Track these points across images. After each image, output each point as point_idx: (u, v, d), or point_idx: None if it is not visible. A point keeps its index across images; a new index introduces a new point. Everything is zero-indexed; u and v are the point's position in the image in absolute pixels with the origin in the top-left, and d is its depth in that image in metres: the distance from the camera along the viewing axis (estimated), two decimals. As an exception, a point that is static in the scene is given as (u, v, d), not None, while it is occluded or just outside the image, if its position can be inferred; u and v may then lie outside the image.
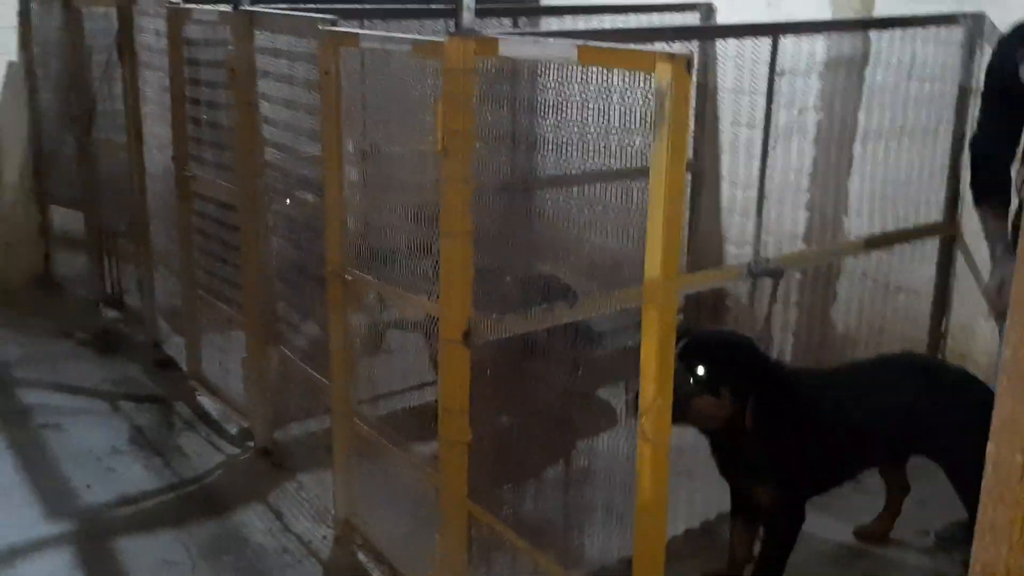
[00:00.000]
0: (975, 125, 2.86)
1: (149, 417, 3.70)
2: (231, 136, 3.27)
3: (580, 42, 1.69)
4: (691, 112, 3.87)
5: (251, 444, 3.43)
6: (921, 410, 2.45)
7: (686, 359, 2.30)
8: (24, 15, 4.74)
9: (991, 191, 2.65)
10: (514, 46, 1.89)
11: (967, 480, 2.29)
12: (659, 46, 2.48)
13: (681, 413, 2.27)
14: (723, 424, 2.33)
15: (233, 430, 3.57)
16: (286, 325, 3.24)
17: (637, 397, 1.68)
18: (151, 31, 3.79)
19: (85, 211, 4.67)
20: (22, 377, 4.00)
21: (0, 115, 4.77)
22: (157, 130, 3.90)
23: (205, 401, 3.79)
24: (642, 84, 1.76)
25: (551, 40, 1.79)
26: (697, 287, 2.88)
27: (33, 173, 4.94)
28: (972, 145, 2.81)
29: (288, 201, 3.02)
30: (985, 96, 2.77)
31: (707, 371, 2.28)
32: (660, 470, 1.69)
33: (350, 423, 2.73)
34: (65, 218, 4.90)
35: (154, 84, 3.88)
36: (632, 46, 1.66)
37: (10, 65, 4.75)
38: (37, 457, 3.34)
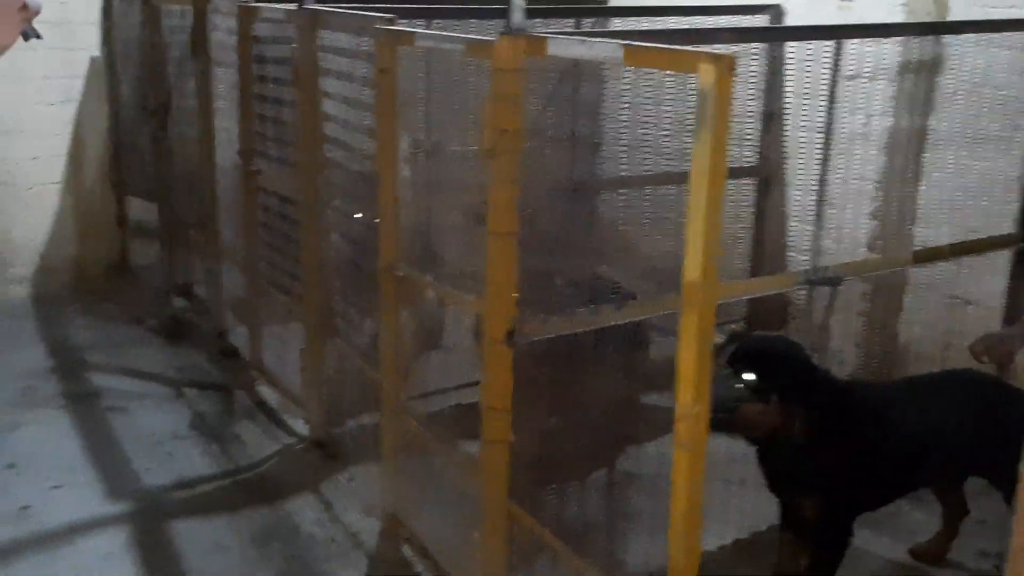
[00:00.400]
0: None
1: (210, 404, 3.81)
2: (295, 132, 3.34)
3: (625, 42, 1.67)
4: (759, 115, 3.82)
5: (306, 435, 3.50)
6: (979, 430, 2.36)
7: (736, 364, 2.27)
8: (106, 12, 4.91)
9: None
10: (562, 46, 1.88)
11: None
12: (719, 47, 2.45)
13: (729, 420, 2.25)
14: (771, 433, 2.29)
15: (290, 421, 3.64)
16: (343, 320, 3.29)
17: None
18: (224, 29, 3.89)
19: (159, 203, 4.81)
20: (93, 361, 4.16)
21: (82, 108, 4.96)
22: (227, 125, 4.00)
23: (265, 391, 3.87)
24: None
25: (597, 40, 1.78)
26: (749, 294, 2.82)
27: (111, 164, 5.12)
28: None
29: (360, 215, 3.04)
30: None
31: (757, 377, 2.24)
32: (695, 478, 1.67)
33: (399, 419, 2.76)
34: (140, 209, 5.07)
35: (225, 80, 3.98)
36: (677, 47, 1.64)
37: (92, 60, 4.93)
38: (102, 438, 3.46)
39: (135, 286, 5.06)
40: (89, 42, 4.90)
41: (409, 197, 2.65)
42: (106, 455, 3.34)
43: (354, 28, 2.81)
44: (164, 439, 3.48)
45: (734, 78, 1.48)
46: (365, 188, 2.98)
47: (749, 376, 2.23)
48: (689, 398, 1.63)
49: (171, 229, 4.80)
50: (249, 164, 3.69)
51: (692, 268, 1.59)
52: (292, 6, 3.17)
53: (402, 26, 2.54)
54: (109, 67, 4.97)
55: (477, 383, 3.10)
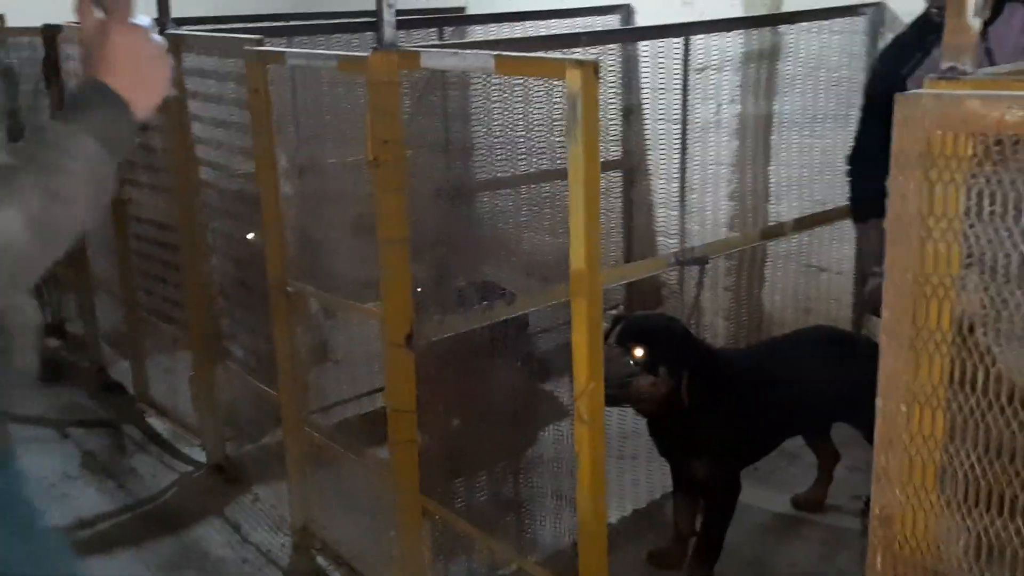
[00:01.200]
0: (854, 138, 2.85)
1: (99, 442, 3.71)
2: (165, 157, 3.30)
3: (496, 53, 1.79)
4: (619, 111, 4.02)
5: (204, 462, 3.47)
6: (835, 379, 2.60)
7: (625, 343, 2.42)
8: (-55, 47, 4.68)
9: (877, 209, 2.77)
10: (435, 58, 1.98)
11: None
12: (577, 51, 2.61)
13: (623, 394, 2.41)
14: (661, 402, 2.46)
15: (185, 449, 3.60)
16: (232, 341, 3.29)
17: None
18: (78, 58, 3.79)
19: (20, 240, 4.63)
20: (-35, 411, 3.97)
21: (-74, 149, 4.71)
22: (90, 155, 3.90)
23: (155, 423, 3.81)
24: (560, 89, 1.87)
25: (469, 52, 1.89)
26: (627, 279, 3.00)
27: (-36, 205, 4.88)
28: (853, 160, 2.82)
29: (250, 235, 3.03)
30: (868, 107, 2.79)
31: (645, 352, 2.41)
32: (597, 449, 1.80)
33: (302, 432, 2.80)
34: (-1, 249, 4.85)
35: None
36: (544, 54, 1.76)
37: (-66, 97, 4.69)
38: (-12, 488, 3.33)
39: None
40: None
41: (292, 213, 2.69)
42: (-5, 504, 3.21)
43: (222, 50, 2.82)
44: (56, 481, 3.38)
45: (599, 81, 1.62)
46: (244, 207, 3.00)
47: (639, 352, 2.39)
48: (584, 377, 1.76)
49: (36, 267, 4.62)
50: (119, 193, 3.61)
51: (577, 258, 1.72)
52: (152, 31, 3.14)
53: (269, 46, 2.58)
54: (-46, 103, 4.74)
55: (376, 391, 3.18)
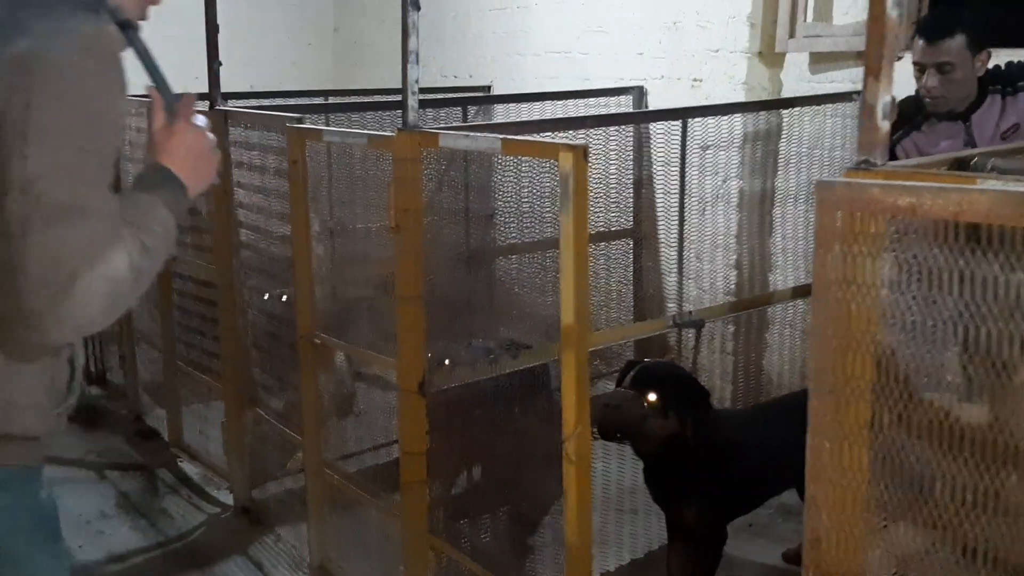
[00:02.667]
0: None
1: (134, 484, 3.95)
2: (209, 220, 3.61)
3: (503, 136, 2.06)
4: (629, 183, 4.29)
5: (231, 504, 3.69)
6: None
7: (637, 386, 2.64)
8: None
9: None
10: (451, 139, 2.26)
11: None
12: (582, 132, 2.89)
13: (634, 432, 2.62)
14: (666, 445, 2.66)
15: (214, 492, 3.83)
16: (262, 389, 3.54)
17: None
18: (133, 128, 4.15)
19: (69, 294, 4.95)
20: (12, 451, 4.23)
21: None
22: (138, 217, 4.22)
23: (186, 467, 4.04)
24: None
25: (480, 135, 2.16)
26: (626, 339, 3.23)
27: (18, 260, 5.23)
28: None
29: (267, 296, 3.32)
30: None
31: (658, 396, 2.62)
32: (584, 488, 2.01)
33: (322, 475, 3.02)
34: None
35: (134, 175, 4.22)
36: (547, 136, 2.03)
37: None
38: (31, 523, 3.57)
39: (46, 377, 5.14)
40: None
41: (322, 272, 2.96)
42: (37, 537, 3.45)
43: (266, 126, 3.13)
44: (92, 518, 3.61)
45: (588, 162, 1.87)
46: (279, 266, 3.28)
47: (652, 397, 2.61)
48: (573, 421, 1.98)
49: (82, 319, 4.93)
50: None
51: (567, 314, 1.96)
52: (201, 105, 3.47)
53: (308, 123, 2.89)
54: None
55: (394, 442, 3.40)
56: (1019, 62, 2.98)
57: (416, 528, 2.56)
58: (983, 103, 2.90)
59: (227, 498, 3.72)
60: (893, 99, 1.42)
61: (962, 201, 1.20)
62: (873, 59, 1.40)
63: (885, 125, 1.41)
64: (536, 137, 2.02)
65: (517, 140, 2.06)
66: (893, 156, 2.93)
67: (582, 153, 1.87)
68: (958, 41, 2.73)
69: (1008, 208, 1.15)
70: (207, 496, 3.81)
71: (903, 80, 3.52)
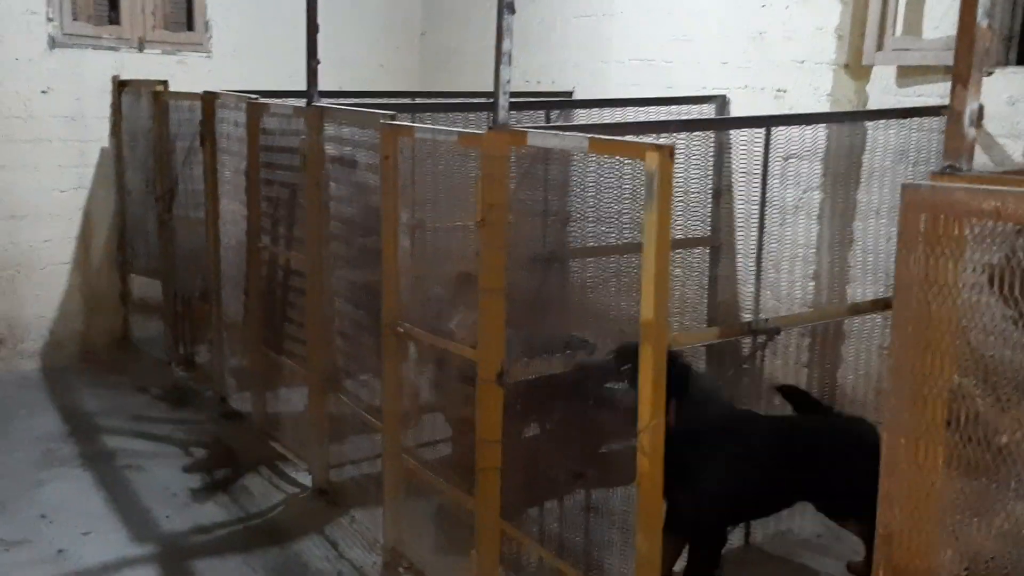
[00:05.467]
0: None
1: (218, 461, 4.13)
2: (299, 212, 3.77)
3: (590, 136, 2.13)
4: (708, 191, 4.31)
5: (309, 485, 3.83)
6: (831, 473, 2.80)
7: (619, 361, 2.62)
8: (116, 106, 5.37)
9: None
10: (539, 138, 2.34)
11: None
12: (665, 136, 2.94)
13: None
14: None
15: (293, 473, 3.98)
16: (345, 375, 3.67)
17: None
18: (230, 122, 4.34)
19: (163, 280, 5.20)
20: (105, 425, 4.47)
21: (92, 194, 5.37)
22: (231, 207, 4.42)
23: (267, 448, 4.21)
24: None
25: (568, 134, 2.24)
26: (701, 342, 3.26)
27: (117, 246, 5.51)
28: None
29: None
30: None
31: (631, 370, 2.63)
32: (656, 478, 2.07)
33: (400, 460, 3.13)
34: (144, 286, 5.45)
35: (230, 167, 4.42)
36: (629, 138, 2.10)
37: (102, 150, 5.37)
38: (122, 492, 3.77)
39: (138, 358, 5.40)
40: (100, 134, 5.34)
41: (408, 263, 3.07)
42: (128, 506, 3.65)
43: (360, 123, 3.26)
44: (179, 492, 3.80)
45: (674, 163, 1.93)
46: (366, 257, 3.41)
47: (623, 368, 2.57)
48: (648, 414, 2.04)
49: (173, 304, 5.18)
50: (256, 241, 4.10)
51: (647, 309, 2.02)
52: (299, 103, 3.63)
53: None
54: (117, 157, 5.41)
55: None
56: None
57: (489, 513, 2.64)
58: None
59: (306, 479, 3.87)
60: (981, 107, 1.45)
61: (1047, 205, 1.23)
62: (962, 67, 1.44)
63: (971, 132, 1.44)
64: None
65: (604, 139, 2.13)
66: None
67: (668, 153, 1.93)
68: None
69: (1093, 213, 1.18)
70: (287, 477, 3.96)
71: (993, 95, 3.50)
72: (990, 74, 3.61)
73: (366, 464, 3.68)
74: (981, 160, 3.68)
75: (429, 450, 3.53)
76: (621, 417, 2.71)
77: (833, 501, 2.94)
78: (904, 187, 1.42)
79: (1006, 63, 3.65)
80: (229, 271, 4.56)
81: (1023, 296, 1.29)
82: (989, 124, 3.63)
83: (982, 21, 1.39)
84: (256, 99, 4.02)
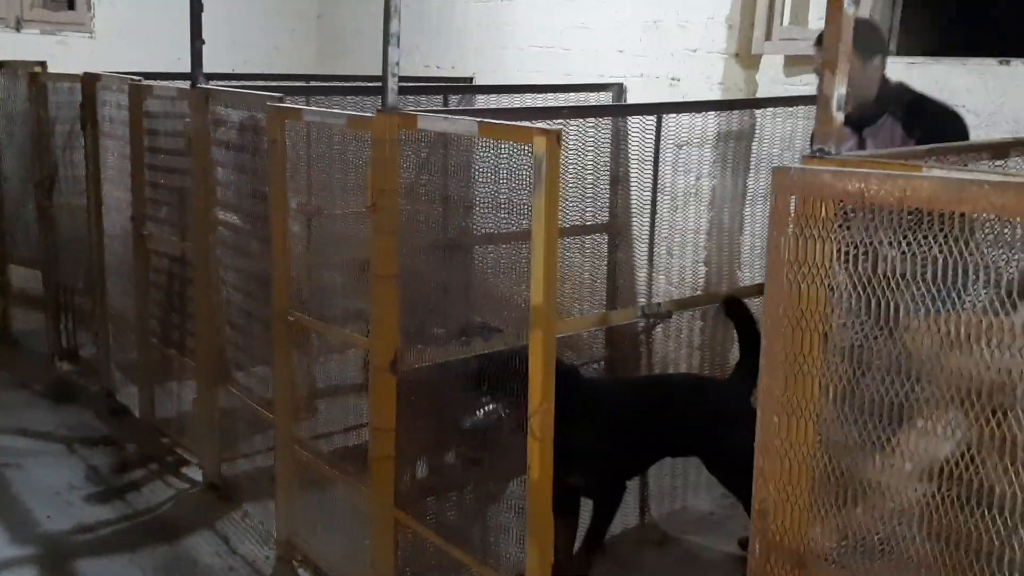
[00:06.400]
0: None
1: (103, 458, 3.97)
2: (185, 197, 3.64)
3: (479, 120, 2.12)
4: (605, 178, 4.36)
5: (200, 480, 3.72)
6: (687, 416, 2.97)
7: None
8: (-11, 89, 5.09)
9: None
10: (429, 121, 2.31)
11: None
12: (559, 121, 2.95)
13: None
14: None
15: (183, 469, 3.86)
16: (234, 367, 3.57)
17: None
18: (113, 104, 4.16)
19: (44, 270, 4.96)
20: (-19, 423, 4.25)
21: (-36, 180, 5.08)
22: (116, 193, 4.24)
23: (156, 444, 4.07)
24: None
25: (458, 117, 2.22)
26: (594, 327, 3.30)
27: (-7, 234, 5.23)
28: None
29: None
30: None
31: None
32: (546, 462, 2.07)
33: (292, 451, 3.06)
34: (24, 277, 5.18)
35: (114, 152, 4.24)
36: (518, 123, 2.09)
37: (-26, 134, 5.08)
38: (0, 492, 3.59)
39: (18, 352, 5.14)
40: (-28, 117, 5.05)
41: (298, 250, 3.00)
42: (6, 506, 3.47)
43: (247, 104, 3.16)
44: (61, 490, 3.63)
45: (561, 147, 1.93)
46: (254, 244, 3.31)
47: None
48: (538, 398, 2.05)
49: (55, 295, 4.95)
50: (141, 229, 3.94)
51: (536, 295, 2.02)
52: (183, 84, 3.51)
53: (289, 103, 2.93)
54: (-9, 140, 5.13)
55: (360, 427, 3.45)
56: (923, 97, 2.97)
57: (382, 502, 2.61)
58: (879, 118, 2.91)
59: (196, 475, 3.76)
60: (848, 92, 1.49)
61: (907, 187, 1.27)
62: (830, 53, 1.47)
63: (840, 116, 1.48)
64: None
65: (493, 123, 2.11)
66: None
67: (555, 138, 1.93)
68: None
69: (948, 194, 1.23)
70: (176, 472, 3.84)
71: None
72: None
73: (259, 458, 3.59)
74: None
75: (324, 441, 3.48)
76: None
77: (700, 455, 3.10)
78: (775, 170, 1.45)
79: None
80: (114, 260, 4.38)
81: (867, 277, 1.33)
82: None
83: (848, 9, 1.43)
84: (139, 81, 3.86)
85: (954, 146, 1.78)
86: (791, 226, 1.43)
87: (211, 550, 3.26)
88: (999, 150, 1.75)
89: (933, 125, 2.76)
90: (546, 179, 1.94)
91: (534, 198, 1.97)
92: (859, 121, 2.92)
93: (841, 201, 1.36)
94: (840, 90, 1.46)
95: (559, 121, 2.93)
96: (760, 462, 1.52)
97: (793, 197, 1.42)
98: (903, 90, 2.95)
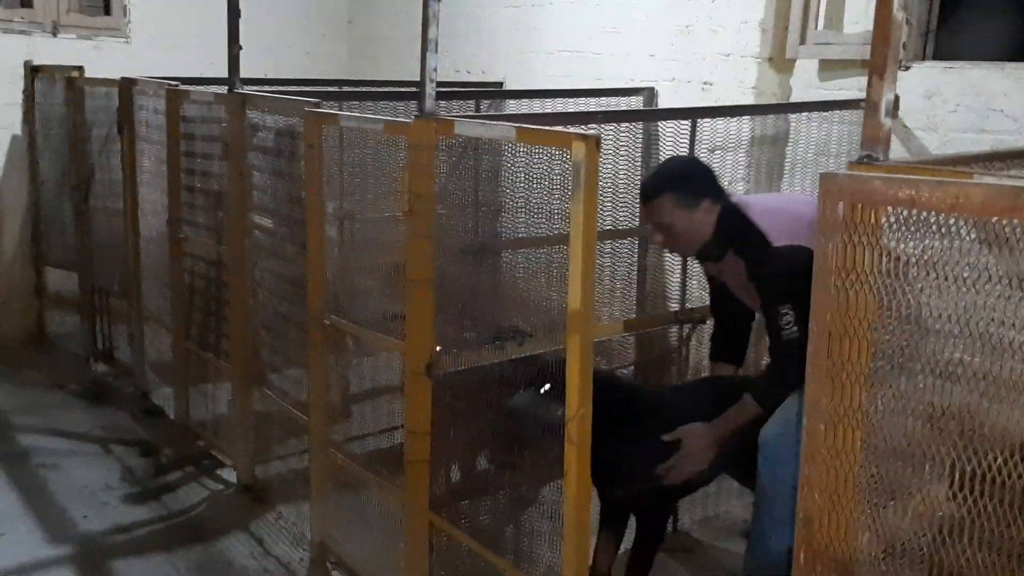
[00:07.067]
0: None
1: (138, 459, 4.01)
2: (221, 201, 3.67)
3: (517, 125, 2.12)
4: (637, 183, 4.34)
5: (234, 482, 3.75)
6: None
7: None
8: (28, 93, 5.16)
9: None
10: (467, 127, 2.32)
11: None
12: (592, 126, 2.94)
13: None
14: None
15: (217, 470, 3.89)
16: (270, 369, 3.60)
17: None
18: (149, 109, 4.21)
19: (80, 272, 5.02)
20: (19, 423, 4.31)
21: (2, 184, 5.15)
22: (151, 197, 4.29)
23: (191, 445, 4.10)
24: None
25: (495, 123, 2.22)
26: (627, 332, 3.29)
27: (31, 237, 5.30)
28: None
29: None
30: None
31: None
32: (583, 467, 2.07)
33: (327, 455, 3.08)
34: (59, 279, 5.25)
35: (150, 156, 4.29)
36: (556, 128, 2.09)
37: (13, 138, 5.16)
38: (38, 492, 3.64)
39: (54, 353, 5.22)
40: (12, 121, 5.13)
41: (333, 254, 3.02)
42: (43, 506, 3.52)
43: (283, 110, 3.19)
44: (97, 491, 3.68)
45: (600, 152, 1.93)
46: (289, 248, 3.34)
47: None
48: (576, 403, 2.04)
49: (91, 297, 5.01)
50: (177, 232, 3.98)
51: (574, 300, 2.02)
52: (220, 90, 3.54)
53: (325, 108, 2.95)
54: (30, 145, 5.20)
55: (393, 428, 3.46)
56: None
57: (417, 506, 2.61)
58: (724, 254, 2.80)
59: (231, 476, 3.79)
60: (896, 97, 1.48)
61: (959, 194, 1.25)
62: (878, 58, 1.46)
63: (888, 122, 1.47)
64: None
65: (531, 128, 2.11)
66: None
67: (594, 143, 1.92)
68: (667, 201, 2.71)
69: (1002, 201, 1.21)
70: (211, 474, 3.88)
71: (911, 89, 3.60)
72: (907, 68, 3.71)
73: (293, 460, 3.61)
74: (900, 153, 3.79)
75: (358, 444, 3.50)
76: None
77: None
78: (823, 176, 1.44)
79: (923, 58, 3.76)
80: (149, 263, 4.43)
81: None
82: (906, 118, 3.74)
83: (897, 14, 1.42)
84: (176, 85, 3.90)
85: (1000, 153, 1.76)
86: (839, 233, 1.42)
87: (245, 551, 3.29)
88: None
89: (770, 269, 2.62)
90: (585, 184, 1.94)
91: (572, 203, 1.96)
92: (705, 257, 2.88)
93: (892, 207, 1.35)
94: (888, 95, 1.45)
95: (592, 126, 2.93)
96: (806, 471, 1.51)
97: (841, 204, 1.41)
98: (740, 227, 2.74)
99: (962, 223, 1.28)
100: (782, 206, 2.85)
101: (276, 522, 3.47)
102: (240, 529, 3.43)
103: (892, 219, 1.36)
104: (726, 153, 3.99)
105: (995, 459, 1.31)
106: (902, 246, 1.36)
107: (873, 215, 1.39)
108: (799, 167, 3.94)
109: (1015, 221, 1.21)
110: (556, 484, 2.85)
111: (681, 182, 2.77)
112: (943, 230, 1.30)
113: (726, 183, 4.09)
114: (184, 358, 4.14)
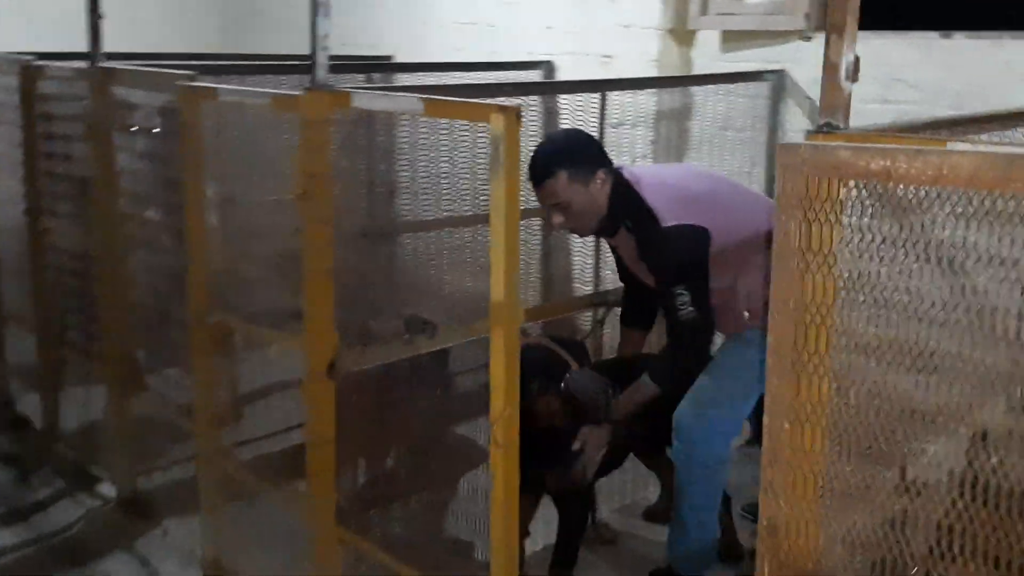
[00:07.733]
0: None
1: (3, 477, 3.62)
2: (87, 188, 3.31)
3: (425, 96, 1.90)
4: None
5: (113, 496, 3.42)
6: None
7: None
8: None
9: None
10: (366, 99, 2.09)
11: None
12: (501, 99, 2.75)
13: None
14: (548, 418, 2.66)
15: (93, 484, 3.54)
16: (147, 372, 3.28)
17: None
18: (1, 88, 3.78)
19: (-73, 269, 4.51)
20: None
21: None
22: (8, 184, 3.87)
23: (62, 457, 3.73)
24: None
25: (399, 94, 2.00)
26: (545, 317, 3.14)
27: None
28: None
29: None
30: None
31: (545, 379, 2.66)
32: (511, 471, 1.89)
33: (217, 464, 2.80)
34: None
35: (3, 139, 3.86)
36: (471, 100, 1.89)
37: None
38: None
39: (-100, 361, 4.68)
40: None
41: (217, 244, 2.73)
42: None
43: (154, 85, 2.87)
44: (-44, 514, 3.29)
45: (521, 125, 1.74)
46: (168, 238, 3.03)
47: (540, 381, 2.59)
48: (501, 403, 1.86)
49: (-60, 297, 4.51)
50: (37, 223, 3.59)
51: (497, 290, 1.83)
52: (81, 64, 3.18)
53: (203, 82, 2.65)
54: None
55: (295, 426, 3.21)
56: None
57: (324, 520, 2.38)
58: (616, 230, 2.72)
59: (109, 490, 3.45)
60: (857, 59, 1.34)
61: (943, 165, 1.12)
62: (837, 15, 1.32)
63: (848, 85, 1.33)
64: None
65: (442, 100, 1.90)
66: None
67: (514, 115, 1.73)
68: (561, 179, 2.59)
69: (993, 172, 1.08)
70: (86, 488, 3.52)
71: (813, 61, 3.54)
72: (809, 39, 3.66)
73: (178, 469, 3.31)
74: (802, 123, 3.74)
75: (251, 448, 3.23)
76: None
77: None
78: (781, 147, 1.29)
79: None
80: (8, 258, 4.00)
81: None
82: (809, 89, 3.70)
83: (859, -35, 1.28)
84: (30, 61, 3.49)
85: (961, 118, 1.65)
86: (801, 211, 1.27)
87: (129, 573, 2.99)
88: (1007, 121, 1.63)
89: (661, 251, 2.58)
90: (506, 160, 1.75)
91: (493, 181, 1.77)
92: (600, 232, 2.80)
93: (864, 181, 1.21)
94: (848, 56, 1.31)
95: (502, 99, 2.73)
96: (768, 475, 1.37)
97: (803, 177, 1.26)
98: (631, 204, 2.64)
99: (946, 197, 1.15)
100: (671, 181, 2.73)
101: (163, 539, 3.17)
102: (122, 549, 3.11)
103: (864, 193, 1.22)
104: (632, 128, 3.88)
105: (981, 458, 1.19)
106: (875, 223, 1.23)
107: (840, 189, 1.24)
108: (706, 142, 3.85)
109: (1008, 194, 1.08)
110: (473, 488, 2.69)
111: (572, 156, 2.63)
112: (923, 205, 1.17)
113: (631, 160, 3.98)
114: (51, 362, 3.76)
